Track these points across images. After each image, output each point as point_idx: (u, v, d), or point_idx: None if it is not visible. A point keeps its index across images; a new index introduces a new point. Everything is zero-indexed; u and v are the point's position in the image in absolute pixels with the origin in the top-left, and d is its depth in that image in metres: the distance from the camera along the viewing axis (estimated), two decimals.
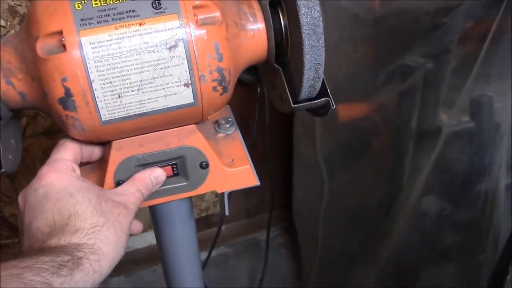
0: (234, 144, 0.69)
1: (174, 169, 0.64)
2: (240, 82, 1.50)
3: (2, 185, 1.48)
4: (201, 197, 1.80)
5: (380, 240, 1.28)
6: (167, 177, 0.64)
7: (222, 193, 0.67)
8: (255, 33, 0.60)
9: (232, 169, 0.65)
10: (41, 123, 1.37)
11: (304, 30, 0.55)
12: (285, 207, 1.85)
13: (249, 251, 1.95)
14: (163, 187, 0.64)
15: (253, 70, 0.76)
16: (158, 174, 0.63)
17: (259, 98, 1.43)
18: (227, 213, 0.69)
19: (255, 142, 1.52)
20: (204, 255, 1.70)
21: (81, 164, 0.63)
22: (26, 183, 1.50)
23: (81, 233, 0.52)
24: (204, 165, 0.64)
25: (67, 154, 0.59)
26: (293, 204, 1.70)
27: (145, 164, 0.62)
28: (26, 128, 1.39)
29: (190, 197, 0.73)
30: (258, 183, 0.66)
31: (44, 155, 1.43)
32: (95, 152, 0.64)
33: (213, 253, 1.70)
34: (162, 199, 0.65)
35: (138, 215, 0.60)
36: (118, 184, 0.62)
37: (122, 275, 1.88)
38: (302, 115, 1.37)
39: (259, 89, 1.38)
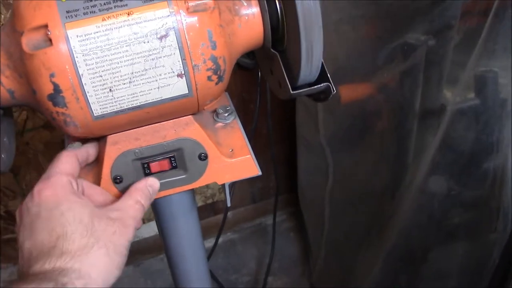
0: (234, 133, 0.67)
1: (172, 161, 0.62)
2: (240, 66, 1.48)
3: (5, 180, 1.47)
4: (206, 184, 1.79)
5: (387, 222, 1.27)
6: (166, 170, 0.62)
7: (223, 184, 0.65)
8: (250, 18, 0.58)
9: (232, 160, 0.64)
10: (41, 116, 1.36)
11: (302, 31, 0.53)
12: (292, 191, 1.84)
13: (256, 237, 1.95)
14: (162, 181, 0.63)
15: (252, 54, 0.73)
16: (152, 182, 0.61)
17: (260, 82, 1.42)
18: (229, 204, 0.68)
19: (258, 127, 1.51)
20: (211, 242, 1.70)
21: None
22: (29, 177, 1.50)
23: (67, 256, 0.49)
24: (203, 157, 0.62)
25: (62, 167, 0.56)
26: (298, 188, 1.69)
27: (143, 158, 0.61)
28: (26, 122, 1.39)
29: (192, 189, 0.71)
30: (259, 173, 0.65)
31: (45, 148, 1.43)
32: (90, 153, 0.62)
33: (220, 239, 1.70)
34: (161, 193, 0.63)
35: None
36: (115, 179, 0.61)
37: (130, 265, 1.88)
38: (304, 97, 1.35)
39: (259, 73, 1.36)
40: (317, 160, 1.38)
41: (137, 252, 1.86)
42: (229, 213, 1.82)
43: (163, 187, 0.63)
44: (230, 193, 0.68)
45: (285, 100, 1.51)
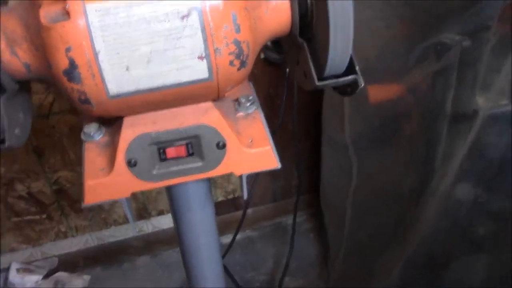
0: (255, 123, 0.65)
1: (189, 148, 0.60)
2: (268, 62, 1.47)
3: (29, 161, 1.48)
4: (228, 179, 1.78)
5: (409, 227, 1.24)
6: (182, 157, 0.60)
7: (241, 176, 0.63)
8: (278, 4, 0.56)
9: (251, 150, 0.61)
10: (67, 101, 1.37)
11: (331, 19, 0.51)
12: (314, 192, 1.82)
13: (275, 235, 1.93)
14: (177, 167, 0.61)
15: (280, 49, 0.71)
16: None
17: (288, 78, 1.40)
18: (245, 196, 0.65)
19: (284, 123, 1.49)
20: (230, 238, 1.68)
21: None
22: (53, 160, 1.50)
23: None
24: (221, 145, 0.60)
25: None
26: (320, 186, 1.67)
27: (159, 142, 0.59)
28: (52, 105, 1.40)
29: (208, 179, 0.69)
30: (279, 166, 0.62)
31: (70, 132, 1.44)
32: None
33: (239, 236, 1.69)
34: (176, 179, 0.61)
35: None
36: (130, 162, 0.59)
37: (148, 255, 1.88)
38: (330, 95, 1.32)
39: (287, 69, 1.34)
40: (342, 159, 1.36)
41: (155, 242, 1.86)
42: (249, 210, 1.80)
43: (178, 173, 0.61)
44: (250, 191, 0.66)
45: (312, 97, 1.48)
